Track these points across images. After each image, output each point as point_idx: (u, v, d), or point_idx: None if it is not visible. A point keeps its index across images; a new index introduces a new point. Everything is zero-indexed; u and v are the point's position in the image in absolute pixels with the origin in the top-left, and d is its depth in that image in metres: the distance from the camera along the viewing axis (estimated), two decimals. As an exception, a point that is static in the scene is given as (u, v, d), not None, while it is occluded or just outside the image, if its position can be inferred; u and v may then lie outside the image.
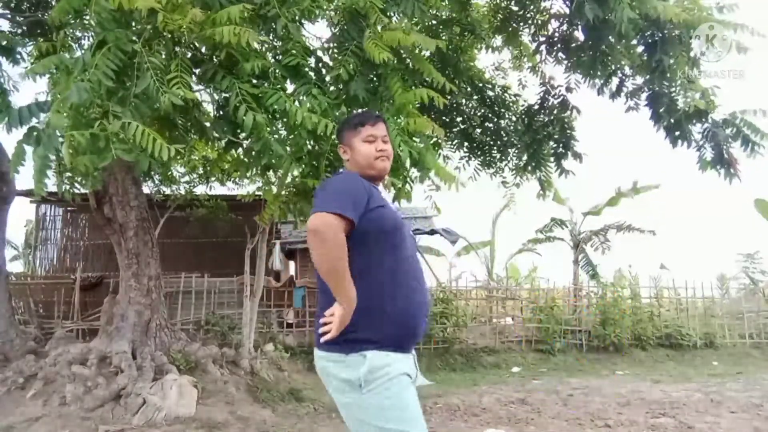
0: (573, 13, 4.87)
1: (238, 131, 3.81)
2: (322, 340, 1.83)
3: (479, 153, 7.57)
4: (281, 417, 5.28)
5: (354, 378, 1.77)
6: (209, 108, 4.55)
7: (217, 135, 4.32)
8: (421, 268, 2.00)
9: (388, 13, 3.93)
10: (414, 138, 3.76)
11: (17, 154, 3.15)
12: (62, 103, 2.90)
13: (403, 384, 1.82)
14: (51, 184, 3.99)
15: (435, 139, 5.09)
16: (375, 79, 3.96)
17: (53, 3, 4.84)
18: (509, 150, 7.54)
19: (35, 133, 3.16)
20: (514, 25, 6.45)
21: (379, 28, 3.67)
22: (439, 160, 3.90)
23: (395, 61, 3.85)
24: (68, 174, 5.14)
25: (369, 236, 1.83)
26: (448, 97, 6.75)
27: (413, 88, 3.66)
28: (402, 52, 3.93)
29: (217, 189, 9.45)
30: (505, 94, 7.42)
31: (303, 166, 4.08)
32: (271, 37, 3.95)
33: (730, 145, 5.30)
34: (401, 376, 1.82)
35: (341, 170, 2.11)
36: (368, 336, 1.79)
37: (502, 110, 7.36)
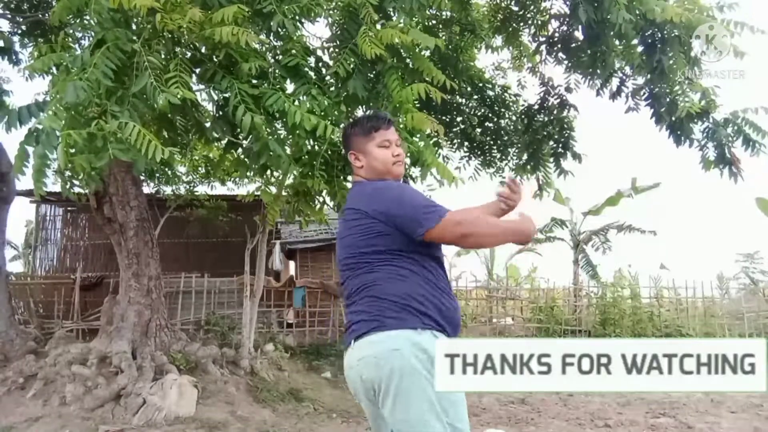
0: (570, 15, 4.87)
1: (238, 131, 3.80)
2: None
3: (479, 153, 7.57)
4: (281, 417, 5.28)
5: (432, 353, 1.70)
6: (209, 108, 4.55)
7: (216, 135, 4.32)
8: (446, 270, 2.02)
9: (387, 10, 3.92)
10: (414, 136, 3.75)
11: (20, 156, 3.14)
12: (58, 102, 2.89)
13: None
14: (51, 184, 3.99)
15: (435, 139, 5.09)
16: (374, 77, 3.96)
17: (53, 3, 4.84)
18: (509, 150, 7.54)
19: (35, 134, 3.16)
20: (514, 25, 6.45)
21: (378, 26, 3.67)
22: (438, 159, 3.89)
23: (394, 60, 3.85)
24: (68, 174, 5.12)
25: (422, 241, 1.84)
26: (448, 97, 6.79)
27: (411, 85, 3.64)
28: (401, 50, 3.93)
29: (217, 189, 9.46)
30: (505, 94, 7.42)
31: (302, 166, 4.08)
32: (270, 37, 3.95)
33: (732, 144, 5.30)
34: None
35: (361, 180, 2.01)
36: (434, 315, 1.78)
37: (502, 110, 7.36)
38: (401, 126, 3.59)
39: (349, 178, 3.87)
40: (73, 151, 2.95)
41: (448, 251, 16.45)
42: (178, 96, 2.94)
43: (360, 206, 1.88)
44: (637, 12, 4.42)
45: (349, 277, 1.89)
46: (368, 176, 1.99)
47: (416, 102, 3.82)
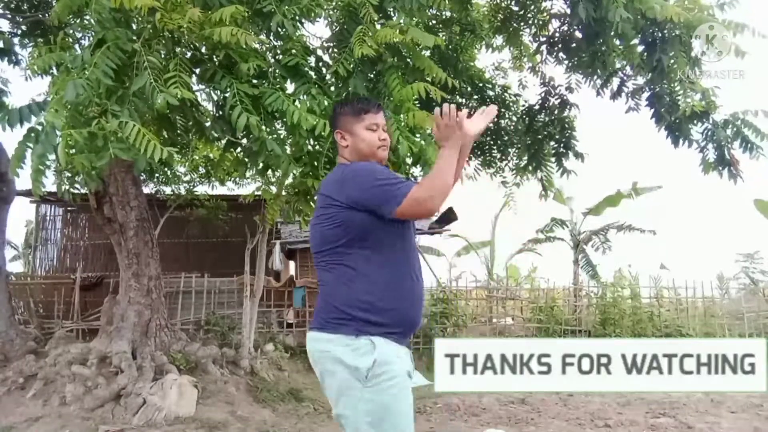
0: (569, 14, 4.87)
1: (237, 130, 3.80)
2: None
3: (479, 153, 7.57)
4: (281, 417, 5.28)
5: (363, 366, 1.75)
6: (209, 107, 4.55)
7: (216, 135, 4.32)
8: (420, 262, 2.02)
9: (387, 10, 3.93)
10: (415, 135, 3.76)
11: (18, 156, 3.14)
12: (59, 101, 2.89)
13: (405, 385, 1.83)
14: (50, 184, 3.99)
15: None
16: (375, 76, 3.96)
17: (53, 3, 4.84)
18: (509, 150, 7.54)
19: (33, 134, 3.15)
20: (515, 25, 6.44)
21: (378, 26, 3.67)
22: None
23: (395, 59, 3.85)
24: (68, 174, 5.13)
25: (382, 224, 1.83)
26: (449, 97, 6.78)
27: (411, 83, 3.64)
28: (402, 49, 3.93)
29: (217, 189, 9.46)
30: (505, 94, 7.42)
31: (303, 166, 4.08)
32: (270, 37, 3.95)
33: (731, 145, 5.30)
34: (404, 375, 1.83)
35: (343, 162, 2.01)
36: (377, 319, 1.80)
37: (503, 110, 7.35)
38: (402, 125, 3.60)
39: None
40: (73, 150, 2.95)
41: (447, 251, 16.45)
42: (177, 96, 2.94)
43: (330, 192, 1.90)
44: (637, 11, 4.41)
45: (315, 266, 1.99)
46: (351, 157, 2.00)
47: (416, 102, 3.82)
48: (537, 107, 7.02)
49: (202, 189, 9.34)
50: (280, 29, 3.47)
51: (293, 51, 3.61)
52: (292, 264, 13.24)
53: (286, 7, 3.39)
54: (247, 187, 8.69)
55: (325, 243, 1.89)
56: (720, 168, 5.40)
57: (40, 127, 3.16)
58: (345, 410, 1.78)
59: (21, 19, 5.35)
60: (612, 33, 4.74)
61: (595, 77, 5.79)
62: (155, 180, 8.78)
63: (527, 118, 7.06)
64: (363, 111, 2.00)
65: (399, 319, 1.84)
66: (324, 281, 1.92)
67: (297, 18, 3.54)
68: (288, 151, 3.85)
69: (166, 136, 4.10)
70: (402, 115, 3.60)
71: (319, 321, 1.87)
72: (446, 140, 1.83)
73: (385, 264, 1.85)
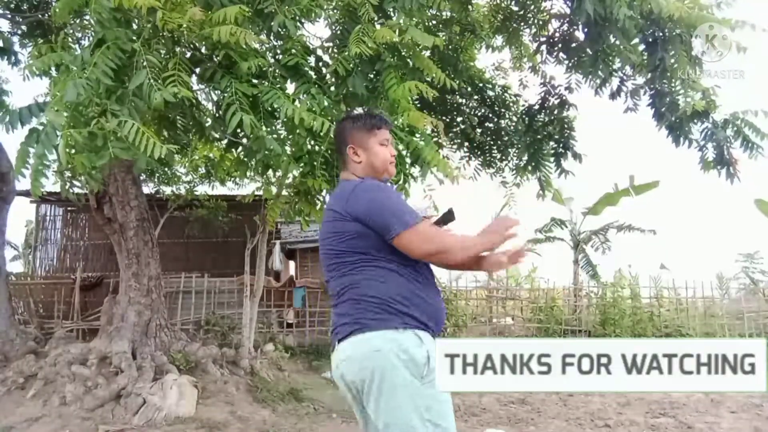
0: (573, 11, 4.86)
1: (238, 131, 3.81)
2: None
3: (479, 153, 7.57)
4: (281, 417, 5.28)
5: (420, 359, 1.73)
6: (209, 107, 4.55)
7: (216, 135, 4.32)
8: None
9: (387, 11, 3.93)
10: (415, 135, 3.75)
11: (21, 157, 3.13)
12: (59, 100, 2.89)
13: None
14: (50, 184, 3.99)
15: (436, 138, 5.09)
16: (374, 75, 3.96)
17: (53, 3, 4.84)
18: (509, 150, 7.53)
19: (35, 135, 3.15)
20: (515, 25, 6.44)
21: (377, 25, 3.67)
22: (439, 156, 3.87)
23: (394, 59, 3.85)
24: (68, 174, 5.14)
25: None
26: (448, 97, 6.79)
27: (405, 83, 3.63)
28: (401, 49, 3.93)
29: (217, 189, 9.47)
30: (505, 94, 7.42)
31: (303, 165, 4.08)
32: (270, 37, 3.95)
33: (731, 145, 5.30)
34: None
35: (360, 178, 1.99)
36: (416, 314, 1.79)
37: (502, 110, 7.35)
38: (399, 124, 3.60)
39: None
40: (73, 150, 2.95)
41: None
42: (175, 94, 2.94)
43: (338, 208, 1.88)
44: (640, 9, 4.41)
45: (332, 278, 1.91)
46: (364, 173, 1.98)
47: (416, 101, 3.83)
48: (537, 107, 7.02)
49: (202, 189, 9.35)
50: (281, 29, 3.47)
51: (293, 51, 3.61)
52: (292, 264, 13.25)
53: (287, 8, 3.39)
54: (247, 187, 8.71)
55: (343, 252, 1.86)
56: (719, 167, 5.40)
57: (41, 128, 3.15)
58: (397, 410, 1.70)
59: (21, 19, 5.35)
60: (614, 32, 4.74)
61: (596, 77, 5.78)
62: (155, 180, 8.78)
63: (527, 118, 7.06)
64: (376, 126, 2.00)
65: (433, 316, 1.85)
66: (349, 284, 1.84)
67: (297, 18, 3.54)
68: (288, 151, 3.86)
69: (166, 135, 4.09)
70: (399, 116, 3.60)
71: (357, 323, 1.79)
72: (496, 237, 1.86)
73: (410, 267, 1.85)
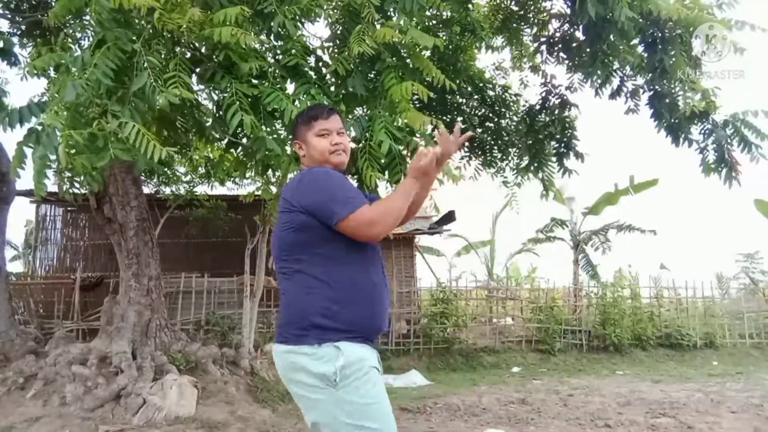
0: (574, 12, 4.86)
1: (238, 131, 3.81)
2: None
3: (480, 153, 7.57)
4: (281, 417, 5.28)
5: (329, 372, 1.75)
6: (210, 107, 4.55)
7: (216, 135, 4.32)
8: (383, 262, 2.02)
9: (387, 11, 3.93)
10: (415, 135, 3.75)
11: (18, 157, 3.14)
12: (59, 102, 2.89)
13: (376, 379, 1.83)
14: (50, 184, 3.97)
15: (436, 139, 5.09)
16: (374, 76, 3.96)
17: (53, 3, 4.83)
18: (510, 150, 7.53)
19: (34, 134, 3.15)
20: (515, 25, 6.44)
21: (377, 26, 3.67)
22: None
23: (394, 59, 3.85)
24: (68, 174, 5.13)
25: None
26: (449, 97, 6.79)
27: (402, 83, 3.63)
28: (401, 49, 3.93)
29: (217, 189, 9.45)
30: (506, 94, 7.42)
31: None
32: (270, 38, 3.95)
33: (731, 146, 5.30)
34: (373, 370, 1.83)
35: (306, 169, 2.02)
36: (338, 326, 1.80)
37: (503, 110, 7.35)
38: (398, 124, 3.60)
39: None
40: (73, 151, 2.94)
41: (447, 251, 16.45)
42: (178, 96, 2.94)
43: (287, 196, 1.91)
44: (639, 11, 4.41)
45: (276, 275, 1.99)
46: (309, 165, 2.03)
47: (416, 101, 3.82)
48: (537, 107, 7.02)
49: (202, 189, 9.34)
50: (281, 30, 3.47)
51: (293, 51, 3.61)
52: (292, 264, 13.21)
53: (286, 8, 3.39)
54: (247, 187, 8.70)
55: (284, 248, 1.90)
56: (720, 169, 5.40)
57: (40, 128, 3.15)
58: (322, 418, 1.78)
59: (20, 19, 5.34)
60: (614, 32, 4.74)
61: (596, 77, 5.79)
62: (155, 180, 8.78)
63: (528, 119, 7.06)
64: (312, 119, 2.02)
65: (360, 325, 1.84)
66: (285, 290, 1.91)
67: (297, 18, 3.54)
68: (288, 151, 3.85)
69: (166, 135, 4.09)
70: (396, 115, 3.60)
71: (282, 334, 1.88)
72: (417, 171, 1.88)
73: (343, 270, 1.85)
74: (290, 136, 3.96)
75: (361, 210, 1.78)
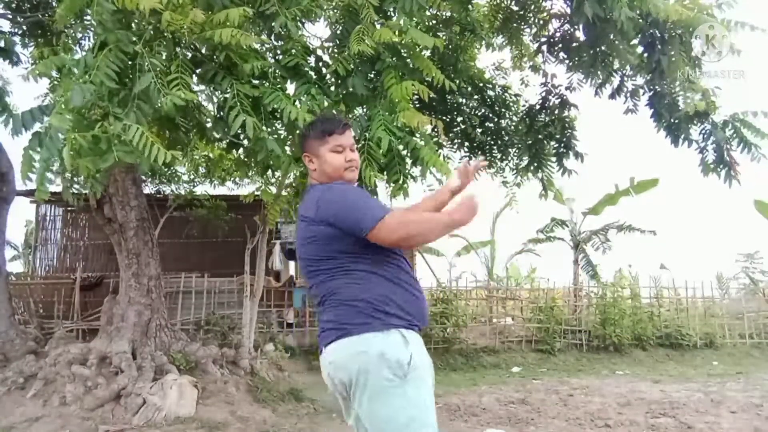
0: (573, 12, 4.86)
1: (238, 131, 3.81)
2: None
3: (480, 153, 7.57)
4: (281, 417, 5.28)
5: (405, 359, 1.74)
6: (210, 108, 4.55)
7: (217, 135, 4.32)
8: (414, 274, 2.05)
9: (387, 11, 3.93)
10: (415, 135, 3.75)
11: (27, 162, 3.11)
12: (64, 105, 2.89)
13: (429, 376, 1.86)
14: (51, 186, 3.96)
15: (436, 138, 5.10)
16: (374, 76, 3.96)
17: (53, 4, 4.84)
18: (510, 150, 7.54)
19: (38, 138, 3.14)
20: (515, 25, 6.45)
21: (377, 26, 3.67)
22: (438, 157, 3.87)
23: (394, 59, 3.85)
24: (68, 175, 5.14)
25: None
26: (449, 97, 6.80)
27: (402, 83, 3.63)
28: (401, 49, 3.94)
29: (218, 189, 9.46)
30: (506, 94, 7.42)
31: (303, 166, 4.08)
32: (271, 38, 3.95)
33: (731, 146, 5.30)
34: (429, 366, 1.87)
35: (314, 184, 2.03)
36: (397, 312, 1.81)
37: (503, 110, 7.36)
38: (398, 124, 3.60)
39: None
40: (76, 154, 2.94)
41: (447, 251, 16.45)
42: (182, 98, 2.94)
43: (309, 214, 1.90)
44: (638, 11, 4.41)
45: (314, 285, 1.93)
46: (320, 180, 2.02)
47: (416, 101, 3.83)
48: (537, 107, 7.02)
49: (202, 189, 9.35)
50: (282, 30, 3.47)
51: (293, 51, 3.61)
52: (292, 264, 13.23)
53: (287, 9, 3.39)
54: (247, 187, 8.72)
55: (320, 258, 1.88)
56: (719, 169, 5.40)
57: (44, 131, 3.15)
58: (383, 409, 1.73)
59: (21, 20, 5.34)
60: (614, 33, 4.74)
61: (596, 77, 5.79)
62: (156, 180, 8.78)
63: (528, 119, 7.07)
64: (327, 133, 1.98)
65: (417, 312, 1.87)
66: (330, 290, 1.86)
67: (298, 19, 3.55)
68: (288, 152, 3.86)
69: (168, 136, 4.09)
70: (396, 115, 3.61)
71: (341, 327, 1.81)
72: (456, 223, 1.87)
73: (386, 265, 1.87)
74: (290, 136, 3.98)
75: (386, 218, 1.77)
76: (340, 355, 1.81)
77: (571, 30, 6.02)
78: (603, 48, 5.23)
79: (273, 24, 3.41)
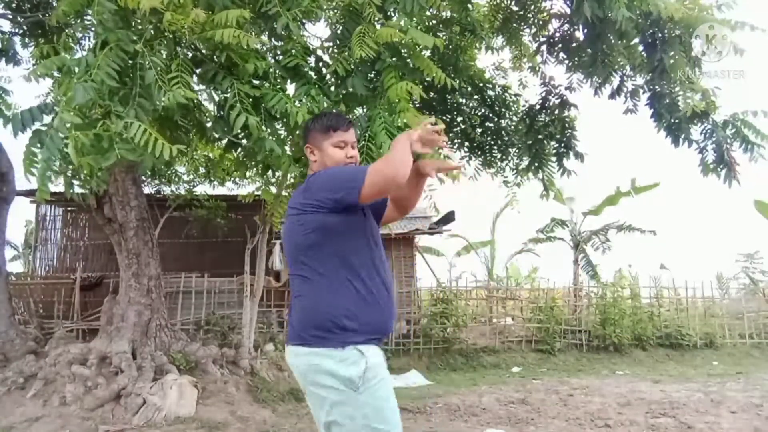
0: (573, 13, 4.86)
1: (239, 131, 3.81)
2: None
3: (480, 153, 7.57)
4: (281, 417, 5.28)
5: (355, 376, 1.80)
6: (210, 108, 4.55)
7: (217, 135, 4.32)
8: (391, 275, 2.07)
9: (387, 12, 3.93)
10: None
11: (28, 159, 3.11)
12: (68, 103, 2.89)
13: (389, 380, 1.91)
14: (52, 186, 3.95)
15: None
16: (374, 75, 3.96)
17: (54, 4, 4.84)
18: (510, 150, 7.54)
19: (39, 136, 3.14)
20: (515, 25, 6.44)
21: (378, 26, 3.67)
22: (438, 157, 3.87)
23: (394, 59, 3.85)
24: (68, 174, 5.13)
25: (352, 225, 1.92)
26: (448, 97, 6.79)
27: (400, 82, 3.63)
28: (402, 49, 3.93)
29: (217, 189, 9.46)
30: (506, 94, 7.42)
31: (303, 166, 4.08)
32: (271, 38, 3.95)
33: (731, 146, 5.30)
34: (387, 372, 1.91)
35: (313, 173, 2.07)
36: (358, 327, 1.85)
37: (503, 110, 7.36)
38: (398, 124, 3.60)
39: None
40: (78, 152, 2.94)
41: (447, 251, 16.45)
42: (183, 95, 2.94)
43: (299, 200, 1.95)
44: (638, 11, 4.41)
45: (291, 276, 2.00)
46: (319, 171, 2.06)
47: (416, 101, 3.82)
48: (537, 107, 7.02)
49: (202, 189, 9.34)
50: (284, 32, 3.47)
51: (293, 52, 3.61)
52: (292, 264, 13.19)
53: (288, 10, 3.39)
54: (247, 187, 8.71)
55: (300, 252, 1.93)
56: (719, 169, 5.39)
57: (44, 130, 3.15)
58: (341, 419, 1.82)
59: (22, 20, 5.34)
60: (613, 33, 4.74)
61: (596, 77, 5.78)
62: (156, 180, 8.78)
63: (528, 119, 7.06)
64: (332, 128, 2.04)
65: (377, 327, 1.91)
66: (301, 292, 1.93)
67: (299, 19, 3.55)
68: (288, 152, 3.86)
69: (168, 136, 4.09)
70: (396, 116, 3.61)
71: (301, 336, 1.88)
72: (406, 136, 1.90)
73: (359, 275, 1.90)
74: (290, 135, 3.98)
75: (367, 175, 1.80)
76: (297, 362, 1.91)
77: (571, 30, 6.02)
78: (603, 48, 5.23)
79: (275, 25, 3.41)
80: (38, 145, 3.08)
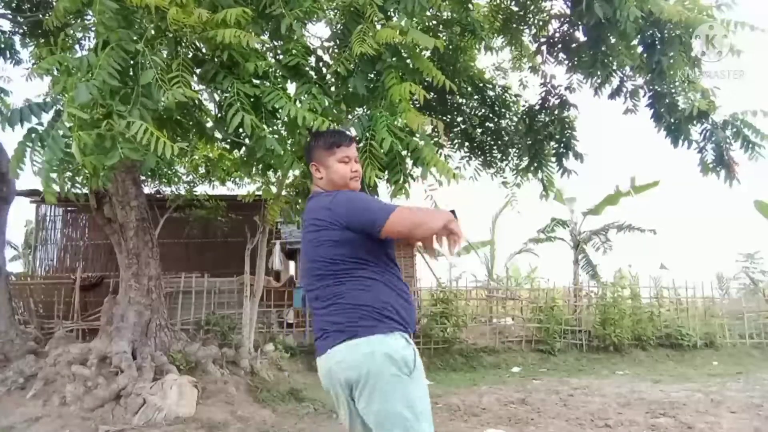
0: (578, 12, 4.83)
1: (240, 132, 3.81)
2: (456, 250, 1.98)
3: (480, 153, 7.57)
4: (281, 417, 5.28)
5: (410, 357, 1.90)
6: (211, 108, 4.55)
7: (218, 135, 4.32)
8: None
9: (387, 12, 3.93)
10: (415, 135, 3.75)
11: (17, 157, 3.11)
12: (71, 103, 2.88)
13: (424, 380, 2.01)
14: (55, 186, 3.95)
15: (436, 138, 5.10)
16: (375, 76, 3.96)
17: (54, 3, 4.84)
18: (510, 150, 7.54)
19: (33, 134, 3.13)
20: (515, 25, 6.45)
21: (378, 26, 3.67)
22: (438, 157, 3.87)
23: (394, 59, 3.85)
24: (69, 174, 5.13)
25: (373, 243, 2.00)
26: (449, 97, 6.79)
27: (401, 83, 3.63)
28: (402, 50, 3.93)
29: (217, 189, 9.46)
30: (506, 94, 7.42)
31: (303, 165, 4.08)
32: (272, 39, 3.95)
33: (730, 146, 5.30)
34: (422, 371, 2.00)
35: (328, 191, 2.15)
36: (398, 318, 1.97)
37: (503, 110, 7.36)
38: (399, 125, 3.60)
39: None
40: (81, 152, 2.93)
41: (445, 251, 16.43)
42: (183, 94, 2.95)
43: (321, 216, 2.02)
44: (640, 11, 4.41)
45: (318, 287, 2.04)
46: (326, 188, 2.16)
47: (416, 101, 3.82)
48: (537, 107, 7.02)
49: (202, 189, 9.34)
50: (287, 32, 3.48)
51: (294, 51, 3.61)
52: (292, 264, 13.25)
53: (290, 10, 3.39)
54: (247, 187, 8.71)
55: (329, 261, 2.00)
56: (718, 169, 5.40)
57: (40, 128, 3.14)
58: (388, 404, 1.87)
59: (22, 19, 5.35)
60: (615, 33, 4.74)
61: (596, 77, 5.79)
62: (156, 180, 8.79)
63: (527, 119, 7.06)
64: (335, 145, 2.15)
65: (410, 323, 2.03)
66: (337, 293, 1.99)
67: (301, 19, 3.55)
68: (289, 151, 3.85)
69: (169, 136, 4.09)
70: (396, 116, 3.61)
71: (349, 331, 1.93)
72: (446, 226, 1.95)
73: (386, 275, 2.03)
74: (290, 138, 3.98)
75: (396, 211, 1.90)
76: (350, 356, 1.92)
77: (571, 30, 6.02)
78: (603, 48, 5.23)
79: (279, 25, 3.42)
80: (32, 144, 3.07)
